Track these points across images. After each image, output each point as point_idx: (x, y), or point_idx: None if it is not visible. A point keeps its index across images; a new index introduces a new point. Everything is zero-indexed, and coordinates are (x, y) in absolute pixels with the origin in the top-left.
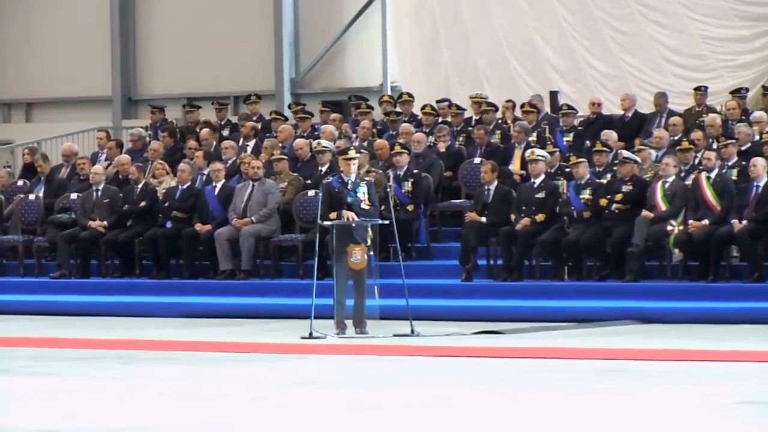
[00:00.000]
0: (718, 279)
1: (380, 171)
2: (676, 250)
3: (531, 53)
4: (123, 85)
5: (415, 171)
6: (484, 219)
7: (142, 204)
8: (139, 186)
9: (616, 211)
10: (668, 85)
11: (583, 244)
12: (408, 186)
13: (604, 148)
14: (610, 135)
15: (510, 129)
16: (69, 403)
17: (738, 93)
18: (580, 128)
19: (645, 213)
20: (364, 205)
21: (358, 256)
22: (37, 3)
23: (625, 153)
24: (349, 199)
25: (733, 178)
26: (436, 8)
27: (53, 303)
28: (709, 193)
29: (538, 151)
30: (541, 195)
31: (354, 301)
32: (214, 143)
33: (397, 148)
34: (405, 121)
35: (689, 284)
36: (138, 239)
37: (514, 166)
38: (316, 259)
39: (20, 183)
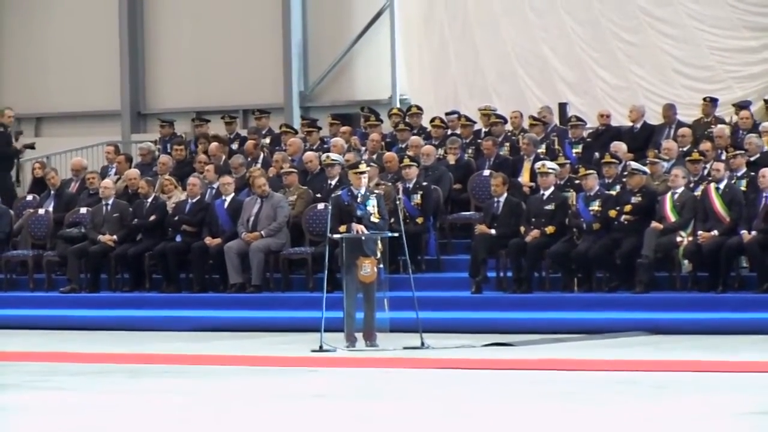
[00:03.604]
0: (727, 290)
1: (389, 184)
2: (686, 261)
3: (540, 65)
4: (132, 99)
5: (425, 183)
6: (493, 231)
7: (152, 218)
8: (149, 200)
9: (626, 222)
10: (677, 97)
11: (592, 256)
12: (417, 198)
13: (613, 160)
14: (619, 146)
15: (519, 141)
16: (79, 417)
17: (742, 105)
18: (588, 140)
19: (654, 224)
20: (374, 218)
21: (367, 268)
22: (46, 18)
23: (634, 164)
24: (359, 212)
25: (742, 188)
26: (444, 21)
27: (63, 317)
28: (718, 204)
29: (549, 164)
30: (550, 207)
31: (364, 313)
32: (224, 157)
33: (406, 161)
34: (414, 134)
35: (699, 295)
36: (148, 253)
37: (524, 178)
38: (326, 272)
39: (30, 197)
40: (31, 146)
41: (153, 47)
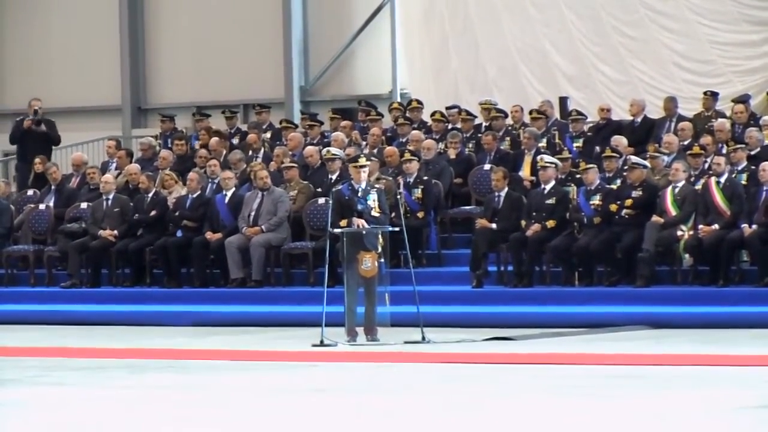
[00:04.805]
0: (728, 284)
1: (390, 178)
2: (687, 255)
3: (540, 59)
4: (133, 94)
5: (425, 178)
6: (494, 225)
7: (153, 213)
8: (150, 195)
9: (626, 216)
10: (677, 91)
11: (593, 250)
12: (418, 193)
13: (614, 154)
14: (620, 141)
15: (520, 135)
16: (80, 412)
17: (740, 100)
18: (589, 134)
19: (655, 218)
20: (375, 213)
21: (368, 263)
22: (47, 13)
23: (635, 158)
24: (360, 207)
25: (743, 182)
26: (445, 15)
27: (64, 312)
28: (718, 198)
29: (547, 158)
30: (551, 201)
31: (365, 308)
32: (224, 152)
33: (407, 155)
34: (414, 128)
35: (699, 289)
36: (148, 248)
37: (524, 173)
38: (327, 266)
39: (30, 193)
40: (39, 121)
41: (153, 42)
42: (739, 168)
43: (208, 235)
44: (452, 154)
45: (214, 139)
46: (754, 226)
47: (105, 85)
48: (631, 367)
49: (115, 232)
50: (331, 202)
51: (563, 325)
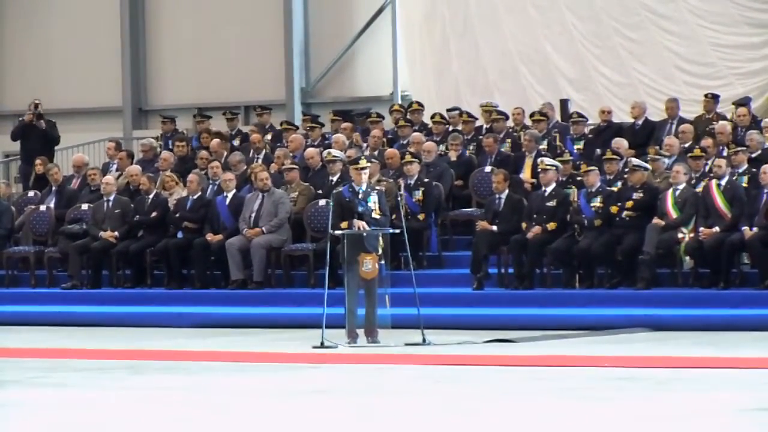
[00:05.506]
0: (729, 286)
1: (391, 180)
2: (687, 258)
3: (541, 62)
4: (133, 95)
5: (426, 180)
6: (495, 227)
7: (153, 214)
8: (150, 196)
9: (627, 218)
10: (678, 93)
11: (594, 252)
12: (419, 195)
13: (615, 156)
14: (621, 143)
15: (520, 137)
16: (80, 414)
17: (741, 103)
18: (590, 136)
19: (656, 221)
20: (375, 215)
21: (369, 265)
22: (48, 14)
23: (636, 161)
24: (360, 209)
25: (744, 185)
26: (446, 17)
27: (64, 314)
28: (719, 201)
29: (547, 160)
30: (552, 203)
31: (365, 310)
32: (225, 153)
33: (408, 157)
34: (415, 130)
35: (700, 292)
36: (149, 249)
37: (525, 175)
38: (327, 268)
39: (31, 194)
40: (40, 115)
41: (154, 43)
42: (740, 170)
43: (209, 236)
44: (453, 156)
45: (215, 141)
46: (755, 229)
47: (106, 86)
48: (632, 370)
49: (116, 233)
50: (331, 203)
51: (564, 328)
